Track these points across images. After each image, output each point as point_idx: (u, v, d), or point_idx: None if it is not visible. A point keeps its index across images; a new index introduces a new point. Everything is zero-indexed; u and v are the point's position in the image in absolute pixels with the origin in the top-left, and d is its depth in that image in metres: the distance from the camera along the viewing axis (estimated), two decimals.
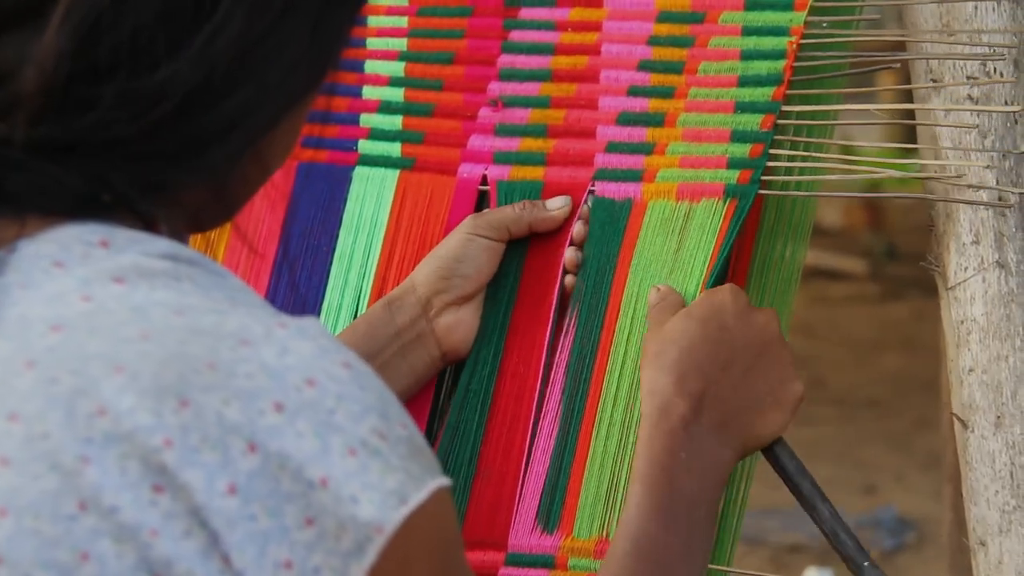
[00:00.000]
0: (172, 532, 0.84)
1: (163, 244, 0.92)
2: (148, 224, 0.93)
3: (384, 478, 0.87)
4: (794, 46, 1.37)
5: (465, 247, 1.37)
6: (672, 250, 1.35)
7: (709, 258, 1.33)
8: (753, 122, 1.36)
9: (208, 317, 0.88)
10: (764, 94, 1.37)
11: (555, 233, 1.40)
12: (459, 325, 1.37)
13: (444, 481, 0.90)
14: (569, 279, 1.39)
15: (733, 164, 1.36)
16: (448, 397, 1.40)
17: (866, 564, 1.26)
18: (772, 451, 1.29)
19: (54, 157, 0.90)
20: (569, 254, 1.39)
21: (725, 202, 1.35)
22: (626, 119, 1.40)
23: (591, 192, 1.40)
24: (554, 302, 1.38)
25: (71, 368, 0.86)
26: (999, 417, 1.33)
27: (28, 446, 0.85)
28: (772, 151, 1.35)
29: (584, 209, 1.40)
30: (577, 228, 1.39)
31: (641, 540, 1.18)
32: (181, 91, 0.89)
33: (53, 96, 0.89)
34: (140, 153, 0.91)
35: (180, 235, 0.96)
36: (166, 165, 0.92)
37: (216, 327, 0.87)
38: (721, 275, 1.34)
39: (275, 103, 0.94)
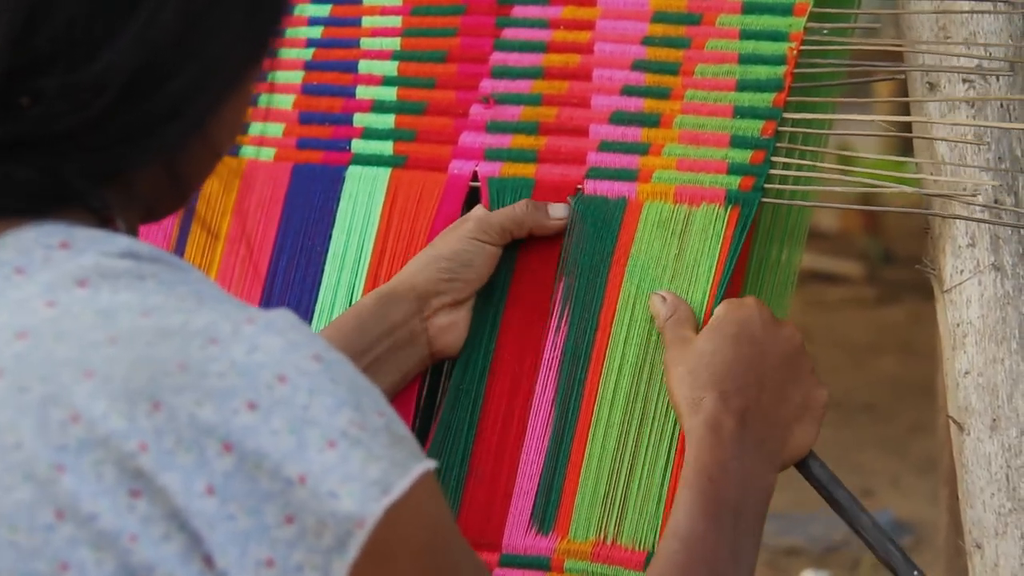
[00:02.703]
0: (151, 536, 0.84)
1: (123, 242, 0.92)
2: (104, 220, 0.93)
3: (366, 467, 0.87)
4: (794, 52, 1.36)
5: (470, 252, 1.36)
6: (672, 254, 1.35)
7: (715, 266, 1.33)
8: (753, 128, 1.36)
9: (175, 316, 0.88)
10: (764, 100, 1.36)
11: (547, 238, 1.40)
12: (453, 327, 1.37)
13: (429, 464, 0.90)
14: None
15: (734, 170, 1.36)
16: (443, 396, 1.40)
17: (915, 574, 1.27)
18: (805, 463, 1.30)
19: (2, 155, 0.90)
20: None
21: (727, 209, 1.35)
22: (620, 118, 1.40)
23: (579, 190, 1.40)
24: (549, 304, 1.38)
25: (40, 375, 0.86)
26: (995, 420, 1.33)
27: (0, 457, 0.85)
28: (771, 158, 1.35)
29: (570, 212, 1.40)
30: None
31: (691, 540, 1.19)
32: (123, 77, 0.89)
33: None
34: (90, 142, 0.91)
35: (134, 225, 0.96)
36: (117, 152, 0.92)
37: (183, 326, 0.87)
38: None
39: (219, 80, 0.94)
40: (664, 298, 1.32)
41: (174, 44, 0.91)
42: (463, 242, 1.37)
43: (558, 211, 1.39)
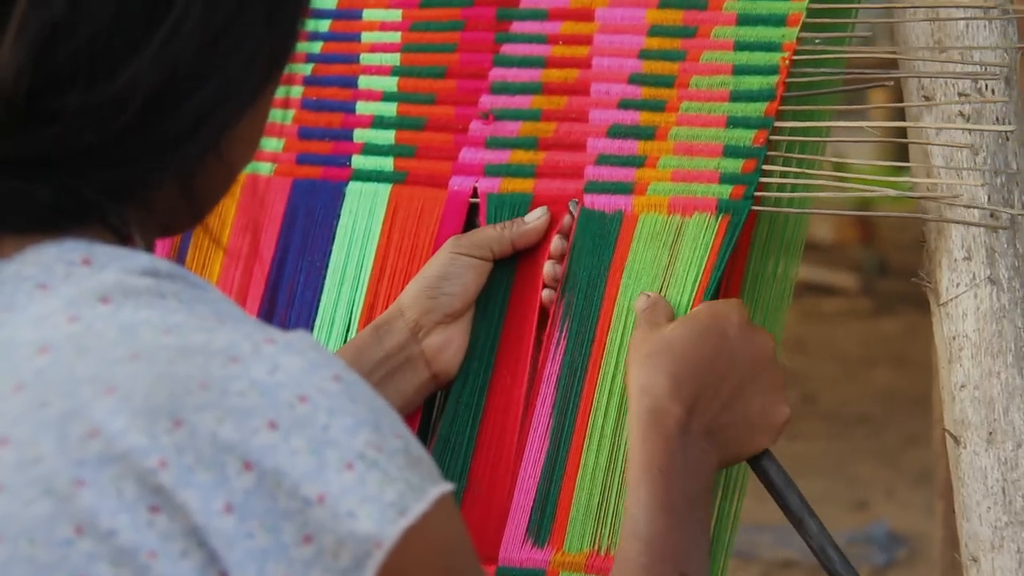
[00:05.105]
0: (170, 553, 0.84)
1: (143, 259, 0.92)
2: (122, 237, 0.93)
3: (383, 490, 0.87)
4: (787, 62, 1.37)
5: (449, 266, 1.37)
6: (664, 264, 1.35)
7: (702, 273, 1.33)
8: (746, 137, 1.36)
9: (196, 335, 0.88)
10: (756, 109, 1.37)
11: (543, 248, 1.40)
12: (448, 344, 1.37)
13: (446, 488, 0.90)
14: (547, 293, 1.39)
15: (725, 179, 1.36)
16: (440, 412, 1.40)
17: None
18: (760, 464, 1.29)
19: (22, 173, 0.90)
20: (547, 268, 1.39)
21: (718, 217, 1.35)
22: (617, 132, 1.40)
23: (575, 202, 1.40)
24: (535, 317, 1.38)
25: (61, 390, 0.86)
26: (991, 433, 1.33)
27: (20, 471, 0.85)
28: (765, 167, 1.35)
29: (565, 222, 1.40)
30: (555, 242, 1.39)
31: (653, 539, 1.18)
32: (144, 94, 0.89)
33: (16, 110, 0.88)
34: (110, 159, 0.91)
35: (151, 241, 0.96)
36: (137, 169, 0.92)
37: (205, 345, 0.87)
38: (714, 292, 1.34)
39: (240, 96, 0.94)
40: (647, 296, 1.32)
41: (195, 61, 0.90)
42: (444, 258, 1.37)
43: (533, 215, 1.40)
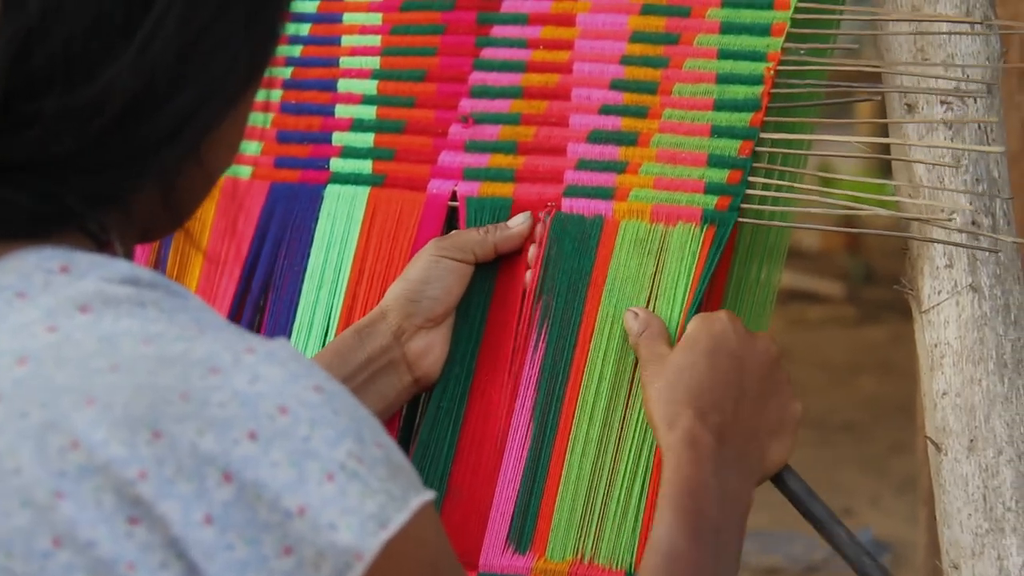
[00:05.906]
0: (149, 565, 0.84)
1: (123, 267, 0.91)
2: (101, 243, 0.93)
3: (364, 502, 0.86)
4: (771, 72, 1.36)
5: (431, 269, 1.37)
6: (649, 273, 1.35)
7: (690, 285, 1.33)
8: (731, 147, 1.36)
9: (176, 345, 0.87)
10: (741, 119, 1.36)
11: (523, 254, 1.40)
12: (431, 348, 1.37)
13: (427, 496, 0.90)
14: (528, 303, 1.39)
15: (711, 189, 1.36)
16: (422, 417, 1.40)
17: None
18: (780, 476, 1.30)
19: (2, 178, 0.89)
20: (528, 278, 1.39)
21: (703, 228, 1.35)
22: (597, 137, 1.40)
23: (551, 207, 1.40)
24: (515, 322, 1.38)
25: (40, 401, 0.85)
26: (972, 440, 1.33)
27: None
28: (749, 178, 1.35)
29: (538, 231, 1.40)
30: (532, 251, 1.39)
31: (673, 556, 1.18)
32: (123, 97, 0.89)
33: None
34: (89, 165, 0.90)
35: (130, 248, 0.96)
36: (116, 174, 0.91)
37: (185, 355, 0.87)
38: (698, 300, 1.34)
39: (220, 99, 0.94)
40: (636, 314, 1.32)
41: (175, 64, 0.90)
42: (426, 261, 1.37)
43: (516, 220, 1.39)
